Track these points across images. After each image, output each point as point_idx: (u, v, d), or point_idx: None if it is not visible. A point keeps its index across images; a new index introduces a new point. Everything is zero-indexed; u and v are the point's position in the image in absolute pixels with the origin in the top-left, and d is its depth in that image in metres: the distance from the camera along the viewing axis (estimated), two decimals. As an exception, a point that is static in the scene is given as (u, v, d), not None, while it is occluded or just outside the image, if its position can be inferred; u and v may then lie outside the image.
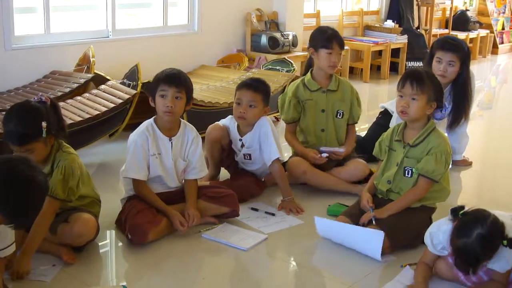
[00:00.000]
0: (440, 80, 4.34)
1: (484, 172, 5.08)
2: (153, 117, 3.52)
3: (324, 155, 4.10)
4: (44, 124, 2.91)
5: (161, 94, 3.39)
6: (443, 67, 4.54)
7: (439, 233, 2.93)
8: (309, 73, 4.29)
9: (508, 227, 2.69)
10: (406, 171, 3.44)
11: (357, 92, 4.40)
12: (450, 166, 4.86)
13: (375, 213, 3.38)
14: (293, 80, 4.97)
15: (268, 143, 3.90)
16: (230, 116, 4.06)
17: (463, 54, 4.60)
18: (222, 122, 4.08)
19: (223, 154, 4.07)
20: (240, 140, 4.00)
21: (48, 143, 3.00)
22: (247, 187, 3.98)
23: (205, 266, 3.26)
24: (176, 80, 3.42)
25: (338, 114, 4.29)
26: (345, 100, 4.30)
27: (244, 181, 4.01)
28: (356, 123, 4.40)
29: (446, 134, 3.57)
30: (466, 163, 5.04)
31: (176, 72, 3.49)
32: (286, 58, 6.19)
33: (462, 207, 2.74)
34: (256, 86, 3.93)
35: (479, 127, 6.71)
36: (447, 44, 4.60)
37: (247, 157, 4.04)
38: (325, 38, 4.16)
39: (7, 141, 2.92)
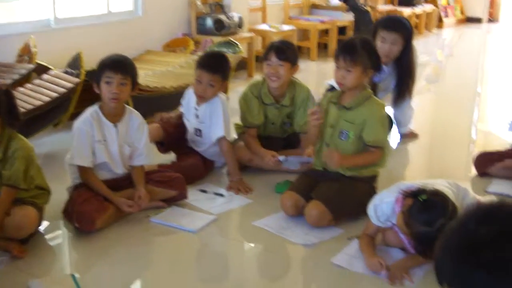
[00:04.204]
0: (384, 59, 4.43)
1: (432, 144, 5.17)
2: (98, 103, 3.48)
3: (281, 158, 3.97)
4: None
5: (106, 81, 3.36)
6: (387, 47, 4.58)
7: (382, 205, 2.99)
8: (266, 83, 4.19)
9: (452, 199, 2.77)
10: (342, 134, 3.49)
11: (312, 98, 4.26)
12: (399, 140, 4.99)
13: (335, 155, 3.40)
14: (239, 62, 4.96)
15: (218, 121, 3.95)
16: (190, 87, 4.12)
17: (407, 33, 4.66)
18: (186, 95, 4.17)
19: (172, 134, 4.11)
20: (196, 109, 4.04)
21: None
22: (194, 168, 3.99)
23: (155, 250, 3.26)
24: (121, 66, 3.40)
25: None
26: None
27: (191, 162, 4.01)
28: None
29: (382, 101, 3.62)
30: (413, 136, 5.12)
31: (121, 58, 3.47)
32: (232, 40, 6.17)
33: (422, 192, 2.78)
34: (215, 68, 3.95)
35: (427, 100, 6.82)
36: (391, 24, 4.65)
37: (198, 132, 4.07)
38: (267, 48, 4.14)
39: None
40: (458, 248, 1.41)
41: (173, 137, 4.16)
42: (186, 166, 3.94)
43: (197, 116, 4.07)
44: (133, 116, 3.53)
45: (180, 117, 4.22)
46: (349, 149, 3.50)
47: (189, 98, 4.12)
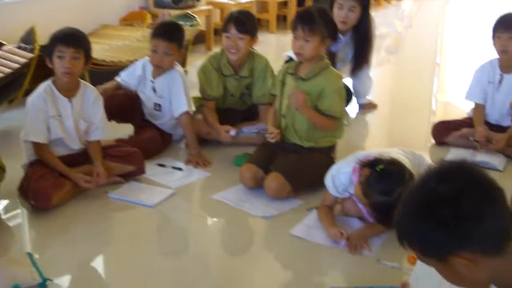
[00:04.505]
0: (342, 27, 4.41)
1: (391, 114, 5.20)
2: (51, 78, 3.42)
3: (232, 133, 3.95)
4: None
5: (59, 55, 3.29)
6: (344, 13, 4.56)
7: (340, 175, 2.99)
8: (224, 54, 4.13)
9: (409, 167, 2.79)
10: None
11: (271, 70, 4.21)
12: (358, 111, 5.00)
13: (301, 95, 3.39)
14: (197, 36, 4.89)
15: (179, 95, 3.93)
16: (146, 58, 4.04)
17: (364, 0, 4.64)
18: (138, 64, 4.09)
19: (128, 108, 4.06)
20: (152, 82, 3.99)
21: None
22: (152, 143, 3.95)
23: (114, 226, 3.23)
24: (74, 40, 3.34)
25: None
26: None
27: (149, 137, 3.97)
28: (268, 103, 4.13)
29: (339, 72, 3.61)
30: (372, 106, 5.14)
31: (73, 31, 3.40)
32: (189, 13, 6.10)
33: (379, 161, 2.78)
34: (171, 36, 3.89)
35: (387, 71, 6.84)
36: None
37: (157, 107, 4.03)
38: (226, 19, 4.06)
39: None
40: (418, 205, 1.45)
41: (123, 109, 4.07)
42: (143, 140, 3.90)
43: (154, 90, 4.02)
44: (88, 90, 3.47)
45: (117, 87, 4.13)
46: (305, 121, 3.50)
47: (145, 70, 4.05)
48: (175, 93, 3.94)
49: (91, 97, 3.47)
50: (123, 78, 4.14)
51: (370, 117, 5.01)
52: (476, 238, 1.38)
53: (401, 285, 2.45)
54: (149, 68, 4.02)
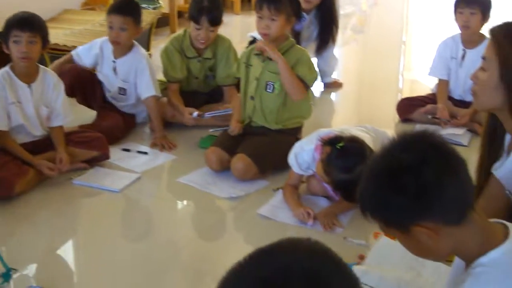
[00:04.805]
0: (306, 6, 4.40)
1: (358, 93, 5.22)
2: (9, 64, 3.35)
3: (194, 114, 3.91)
4: None
5: (14, 40, 3.23)
6: (308, -9, 4.55)
7: (303, 153, 2.99)
8: (187, 35, 4.09)
9: (370, 144, 2.79)
10: (268, 86, 3.47)
11: (234, 51, 4.19)
12: (323, 89, 5.01)
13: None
14: (161, 19, 4.83)
15: (145, 79, 3.90)
16: (105, 38, 3.99)
17: None
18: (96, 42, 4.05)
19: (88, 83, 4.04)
20: (114, 61, 3.95)
21: None
22: (116, 127, 3.90)
23: (79, 213, 3.20)
24: (29, 24, 3.27)
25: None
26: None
27: (112, 121, 3.92)
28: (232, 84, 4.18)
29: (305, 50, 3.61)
30: (337, 85, 5.14)
31: (28, 15, 3.33)
32: (152, -5, 6.03)
33: (340, 139, 2.77)
34: (126, 10, 3.85)
35: (353, 50, 6.85)
36: None
37: (122, 91, 4.00)
38: (196, 10, 3.96)
39: None
40: (381, 174, 1.45)
41: (83, 84, 4.03)
42: (107, 125, 3.85)
43: (114, 70, 3.97)
44: (48, 75, 3.41)
45: (70, 60, 4.08)
46: (275, 102, 3.49)
47: (103, 49, 4.00)
48: (140, 76, 3.91)
49: (51, 82, 3.41)
50: (78, 52, 4.09)
51: (336, 96, 5.01)
52: (438, 208, 1.39)
53: (358, 256, 2.48)
54: (109, 48, 3.97)
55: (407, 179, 1.39)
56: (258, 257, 1.02)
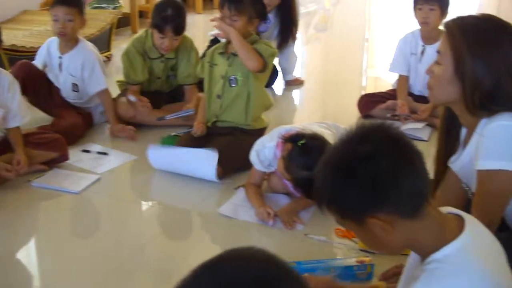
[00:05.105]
0: (267, 4, 4.39)
1: (321, 90, 5.23)
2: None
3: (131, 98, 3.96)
4: None
5: None
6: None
7: (264, 150, 2.98)
8: (149, 36, 4.06)
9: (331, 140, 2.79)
10: (231, 81, 3.47)
11: (195, 50, 4.20)
12: (284, 87, 5.01)
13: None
14: (122, 19, 4.80)
15: (95, 73, 3.93)
16: (52, 38, 4.00)
17: None
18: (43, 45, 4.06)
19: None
20: (60, 57, 3.94)
21: None
22: (75, 126, 3.88)
23: (38, 215, 3.14)
24: None
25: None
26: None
27: (71, 120, 3.89)
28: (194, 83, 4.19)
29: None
30: (298, 82, 5.15)
31: None
32: (112, -5, 6.00)
33: (301, 136, 2.77)
34: (68, 1, 3.84)
35: (317, 49, 6.88)
36: None
37: (75, 88, 3.97)
38: (160, 19, 3.90)
39: None
40: (338, 164, 1.45)
41: (35, 82, 3.98)
42: (66, 125, 3.80)
43: (60, 66, 3.96)
44: (2, 75, 3.35)
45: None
46: (241, 96, 3.49)
47: (49, 48, 4.01)
48: (90, 70, 3.92)
49: (5, 82, 3.34)
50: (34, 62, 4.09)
51: (299, 93, 5.02)
52: (393, 199, 1.39)
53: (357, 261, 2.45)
54: (55, 46, 3.96)
55: (363, 170, 1.39)
56: (202, 274, 1.01)
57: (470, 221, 1.48)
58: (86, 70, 3.92)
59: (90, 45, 4.01)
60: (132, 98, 3.95)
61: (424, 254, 1.44)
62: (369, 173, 1.38)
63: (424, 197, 1.43)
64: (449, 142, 2.25)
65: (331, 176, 1.46)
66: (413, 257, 1.58)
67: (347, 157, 1.43)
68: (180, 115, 3.93)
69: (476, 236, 1.46)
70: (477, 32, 2.02)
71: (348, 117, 4.35)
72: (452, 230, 1.45)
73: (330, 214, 1.50)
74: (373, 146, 1.41)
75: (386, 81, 5.15)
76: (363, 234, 1.49)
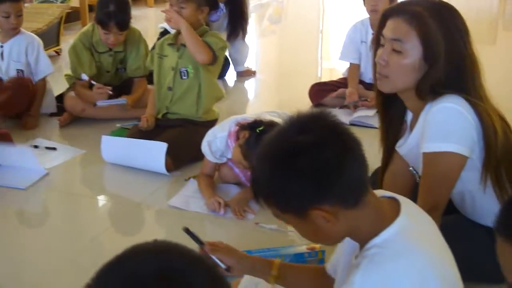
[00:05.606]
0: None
1: (275, 82, 5.23)
2: None
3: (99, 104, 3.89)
4: None
5: None
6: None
7: (216, 140, 2.96)
8: (96, 30, 3.99)
9: None
10: (182, 73, 3.44)
11: (144, 42, 4.16)
12: (235, 78, 4.99)
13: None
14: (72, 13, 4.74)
15: (41, 57, 4.03)
16: None
17: None
18: None
19: None
20: (1, 46, 3.95)
21: None
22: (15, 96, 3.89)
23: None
24: None
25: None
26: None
27: (8, 92, 3.89)
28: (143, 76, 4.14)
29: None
30: (250, 73, 5.14)
31: None
32: (61, -11, 5.89)
33: (259, 123, 2.75)
34: None
35: (271, 41, 6.88)
36: None
37: (20, 74, 3.97)
38: (103, 15, 3.85)
39: None
40: (278, 156, 1.39)
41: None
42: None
43: (1, 54, 3.95)
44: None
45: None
46: (192, 88, 3.46)
47: None
48: (36, 54, 4.00)
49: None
50: None
51: (253, 85, 5.00)
52: (337, 190, 1.35)
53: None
54: None
55: (304, 161, 1.33)
56: (104, 273, 0.99)
57: (405, 203, 1.47)
58: (31, 55, 3.97)
59: (33, 35, 4.09)
60: (85, 77, 3.95)
61: (364, 241, 1.41)
62: (312, 164, 1.33)
63: (365, 184, 1.41)
64: (391, 127, 2.24)
65: (269, 168, 1.39)
66: (348, 243, 1.55)
67: (287, 150, 1.37)
68: (112, 103, 3.90)
69: (412, 218, 1.45)
70: (439, 14, 2.00)
71: (300, 107, 4.33)
72: (390, 214, 1.42)
73: (268, 208, 1.45)
74: (314, 135, 1.35)
75: (340, 71, 5.17)
76: (304, 227, 1.44)
